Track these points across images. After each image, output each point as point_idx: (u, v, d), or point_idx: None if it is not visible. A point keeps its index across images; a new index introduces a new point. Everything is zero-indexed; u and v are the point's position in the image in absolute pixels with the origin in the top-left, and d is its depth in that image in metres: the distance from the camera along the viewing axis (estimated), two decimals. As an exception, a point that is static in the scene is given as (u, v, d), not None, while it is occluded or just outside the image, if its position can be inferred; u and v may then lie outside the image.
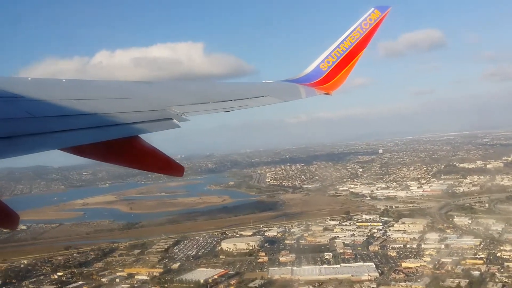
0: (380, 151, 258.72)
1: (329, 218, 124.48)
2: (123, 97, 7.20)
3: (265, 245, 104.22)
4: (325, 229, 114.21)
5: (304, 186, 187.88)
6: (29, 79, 6.66)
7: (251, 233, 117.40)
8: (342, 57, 13.73)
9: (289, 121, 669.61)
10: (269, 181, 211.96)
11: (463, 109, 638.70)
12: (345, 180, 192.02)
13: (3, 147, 4.01)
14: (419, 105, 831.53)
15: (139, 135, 5.53)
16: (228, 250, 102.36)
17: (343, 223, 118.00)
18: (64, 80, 7.13)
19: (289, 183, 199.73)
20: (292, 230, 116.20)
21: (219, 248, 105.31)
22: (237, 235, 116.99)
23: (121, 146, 5.37)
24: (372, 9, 13.94)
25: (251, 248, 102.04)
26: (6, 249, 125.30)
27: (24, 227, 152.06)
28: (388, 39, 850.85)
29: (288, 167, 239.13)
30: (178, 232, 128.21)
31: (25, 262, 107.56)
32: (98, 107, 6.01)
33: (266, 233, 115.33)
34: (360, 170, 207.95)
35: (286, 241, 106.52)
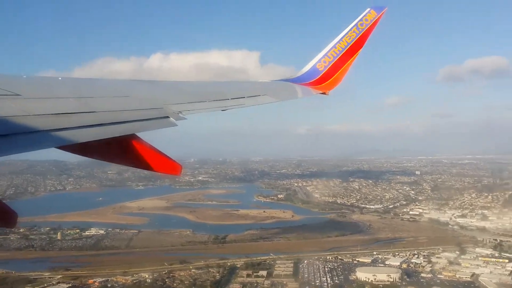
0: (418, 172, 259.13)
1: (440, 249, 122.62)
2: (120, 95, 7.24)
3: (404, 277, 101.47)
4: (450, 262, 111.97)
5: (365, 206, 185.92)
6: (24, 77, 6.69)
7: (370, 260, 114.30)
8: (338, 57, 13.77)
9: (297, 131, 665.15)
10: (319, 197, 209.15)
11: (473, 132, 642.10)
12: (403, 202, 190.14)
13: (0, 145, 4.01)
14: (432, 126, 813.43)
15: (136, 133, 5.52)
16: (367, 280, 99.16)
17: (462, 256, 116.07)
18: (60, 78, 7.09)
19: (345, 201, 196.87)
20: (413, 260, 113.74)
21: (355, 277, 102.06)
22: (355, 261, 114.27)
23: (118, 144, 5.36)
24: (368, 9, 13.96)
25: (392, 280, 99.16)
26: (105, 257, 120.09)
27: (102, 231, 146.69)
28: (454, 63, 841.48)
29: (326, 182, 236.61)
30: (280, 251, 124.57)
31: (146, 276, 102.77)
32: (95, 105, 6.00)
33: (386, 262, 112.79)
34: (412, 192, 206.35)
35: (422, 275, 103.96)
